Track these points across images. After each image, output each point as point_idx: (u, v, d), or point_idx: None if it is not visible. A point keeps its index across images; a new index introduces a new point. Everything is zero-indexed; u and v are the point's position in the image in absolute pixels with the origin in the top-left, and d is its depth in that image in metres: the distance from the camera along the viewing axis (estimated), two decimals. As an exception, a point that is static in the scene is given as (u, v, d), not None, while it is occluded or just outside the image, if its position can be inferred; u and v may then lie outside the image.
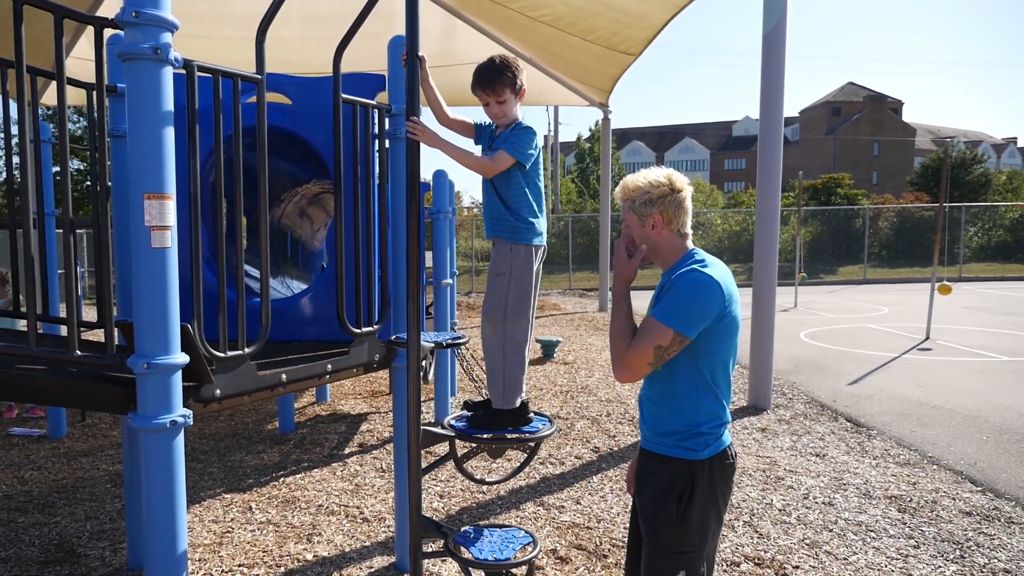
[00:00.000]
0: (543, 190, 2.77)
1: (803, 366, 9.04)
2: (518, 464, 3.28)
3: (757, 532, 3.96)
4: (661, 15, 9.12)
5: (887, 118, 60.63)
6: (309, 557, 3.61)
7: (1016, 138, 72.15)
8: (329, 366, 2.92)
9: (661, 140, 78.76)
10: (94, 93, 2.43)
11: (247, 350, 2.52)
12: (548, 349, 9.52)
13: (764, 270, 7.11)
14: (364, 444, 5.50)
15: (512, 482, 4.69)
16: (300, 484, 4.66)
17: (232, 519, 4.10)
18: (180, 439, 2.27)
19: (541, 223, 2.76)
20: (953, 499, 4.55)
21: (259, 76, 2.52)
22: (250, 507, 4.30)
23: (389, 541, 3.82)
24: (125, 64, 2.12)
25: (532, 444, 2.70)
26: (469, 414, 2.87)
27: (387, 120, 3.19)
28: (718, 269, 2.08)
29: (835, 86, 64.03)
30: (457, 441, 2.65)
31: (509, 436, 2.67)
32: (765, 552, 3.72)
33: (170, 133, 2.18)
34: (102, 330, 2.37)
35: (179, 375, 2.25)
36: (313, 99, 3.30)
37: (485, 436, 2.64)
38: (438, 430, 2.62)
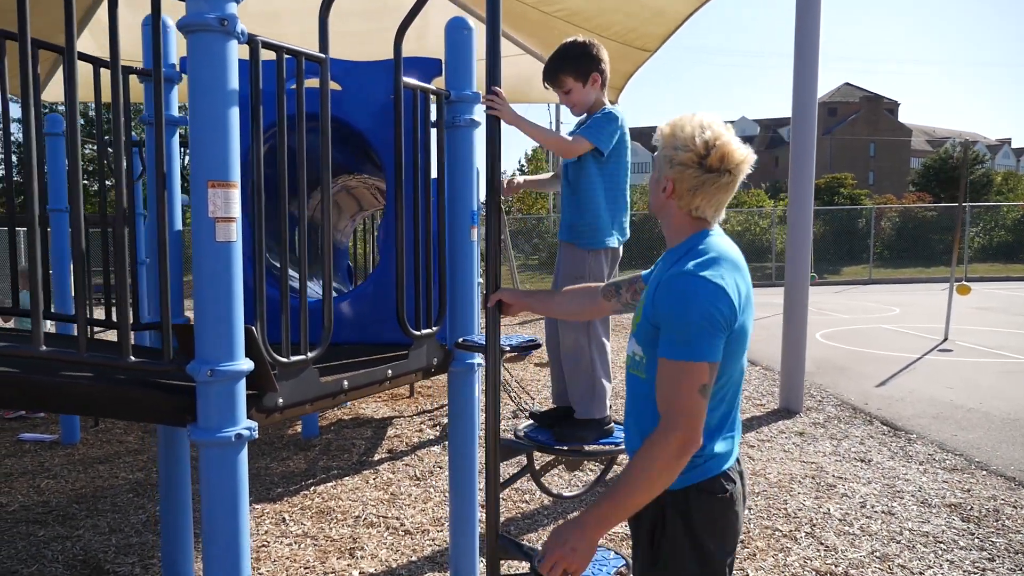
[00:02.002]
0: (625, 186, 2.56)
1: (825, 367, 8.86)
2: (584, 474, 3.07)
3: (822, 544, 3.76)
4: (682, 9, 8.89)
5: (883, 119, 60.68)
6: (355, 574, 3.39)
7: (1010, 139, 72.42)
8: (390, 371, 2.70)
9: (648, 139, 78.46)
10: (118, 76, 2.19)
11: (310, 355, 2.30)
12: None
13: (796, 268, 6.91)
14: (394, 450, 5.27)
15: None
16: (332, 493, 4.44)
17: (266, 532, 3.88)
18: (244, 454, 2.06)
19: (618, 222, 2.56)
20: (1014, 507, 4.37)
21: (323, 55, 2.30)
22: (283, 518, 4.07)
23: (437, 555, 3.61)
24: (188, 36, 1.90)
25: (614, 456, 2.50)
26: (535, 424, 2.67)
27: (445, 107, 2.97)
28: (723, 266, 1.65)
29: (831, 87, 64.00)
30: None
31: (588, 448, 2.47)
32: (836, 566, 3.52)
33: (236, 114, 1.96)
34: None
35: (243, 383, 2.04)
36: (363, 85, 3.07)
37: (564, 448, 2.43)
38: (517, 441, 2.41)
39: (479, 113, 3.08)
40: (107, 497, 4.44)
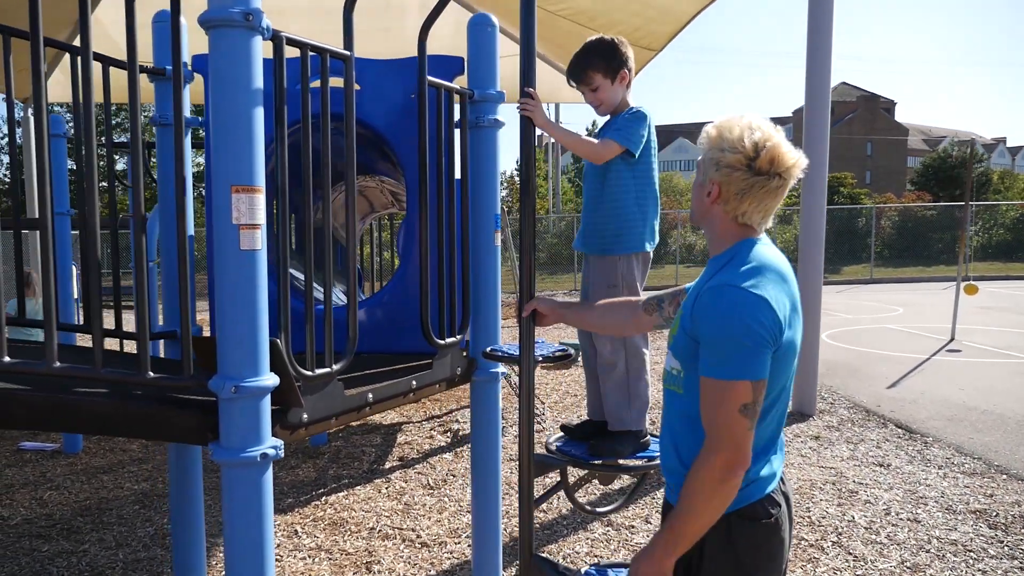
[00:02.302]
0: (656, 187, 2.46)
1: (834, 369, 8.77)
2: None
3: (851, 554, 3.67)
4: (689, 8, 8.81)
5: (880, 118, 60.73)
6: (373, 590, 3.29)
7: (1005, 138, 72.58)
8: (414, 382, 2.60)
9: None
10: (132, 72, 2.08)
11: (336, 367, 2.19)
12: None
13: (810, 267, 6.80)
14: (405, 458, 5.17)
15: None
16: (345, 504, 4.33)
17: (279, 545, 3.77)
18: (269, 475, 1.95)
19: (650, 225, 2.45)
20: (1039, 513, 4.28)
21: (348, 52, 2.19)
22: (295, 531, 3.96)
23: (456, 569, 3.50)
24: (210, 32, 1.79)
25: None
26: (567, 438, 2.56)
27: (469, 107, 2.86)
28: (767, 277, 1.54)
29: (832, 84, 64.00)
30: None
31: (623, 463, 2.36)
32: (867, 578, 3.43)
33: (260, 115, 1.86)
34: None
35: (268, 400, 1.93)
36: (379, 83, 2.97)
37: (599, 463, 2.33)
38: (552, 456, 2.30)
39: (503, 113, 2.98)
40: (112, 509, 4.32)
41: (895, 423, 6.31)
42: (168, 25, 2.70)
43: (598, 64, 2.38)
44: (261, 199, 1.87)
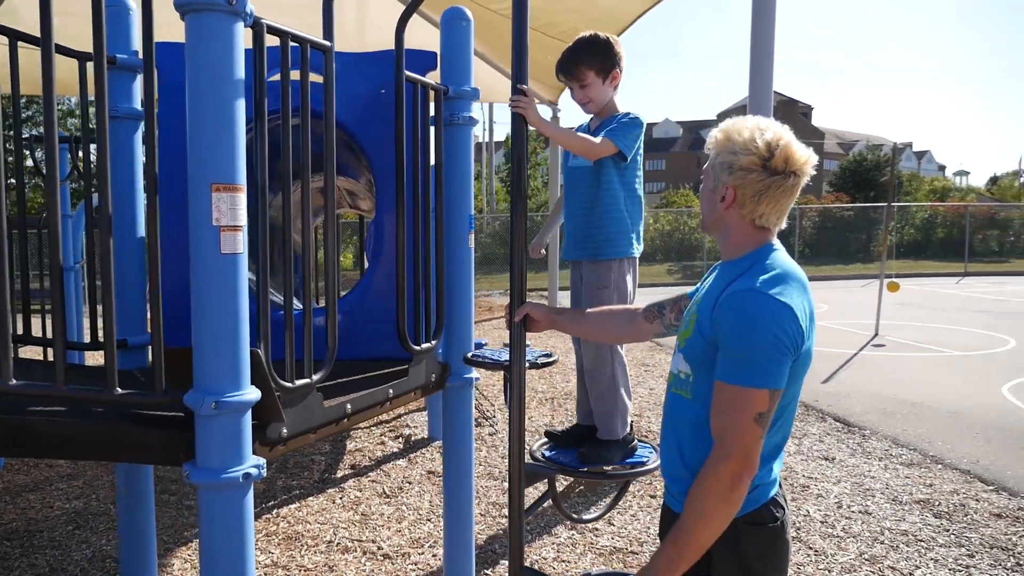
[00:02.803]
0: (641, 196, 2.43)
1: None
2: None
3: (811, 548, 3.74)
4: (634, 9, 8.91)
5: (798, 122, 63.18)
6: (339, 607, 3.14)
7: (911, 143, 76.55)
8: (391, 391, 2.48)
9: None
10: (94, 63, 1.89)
11: (315, 377, 2.06)
12: (516, 353, 9.14)
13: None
14: (357, 465, 5.00)
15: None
16: (299, 516, 4.15)
17: (232, 563, 3.56)
18: (251, 496, 1.81)
19: (636, 230, 2.42)
20: (977, 500, 4.48)
21: (328, 43, 2.07)
22: (248, 547, 3.76)
23: (423, 581, 3.39)
24: (187, 17, 1.65)
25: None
26: (552, 444, 2.50)
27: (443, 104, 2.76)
28: (791, 285, 1.53)
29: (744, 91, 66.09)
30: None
31: (613, 470, 2.31)
32: (830, 571, 3.50)
33: (242, 107, 1.72)
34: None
35: (249, 415, 1.79)
36: (349, 77, 2.83)
37: (590, 471, 2.28)
38: (542, 465, 2.24)
39: (477, 110, 2.89)
40: (43, 531, 4.01)
41: (833, 417, 6.52)
42: (120, 10, 2.50)
43: (592, 61, 2.32)
44: (243, 199, 1.73)
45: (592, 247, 2.36)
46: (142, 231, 2.73)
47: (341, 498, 4.43)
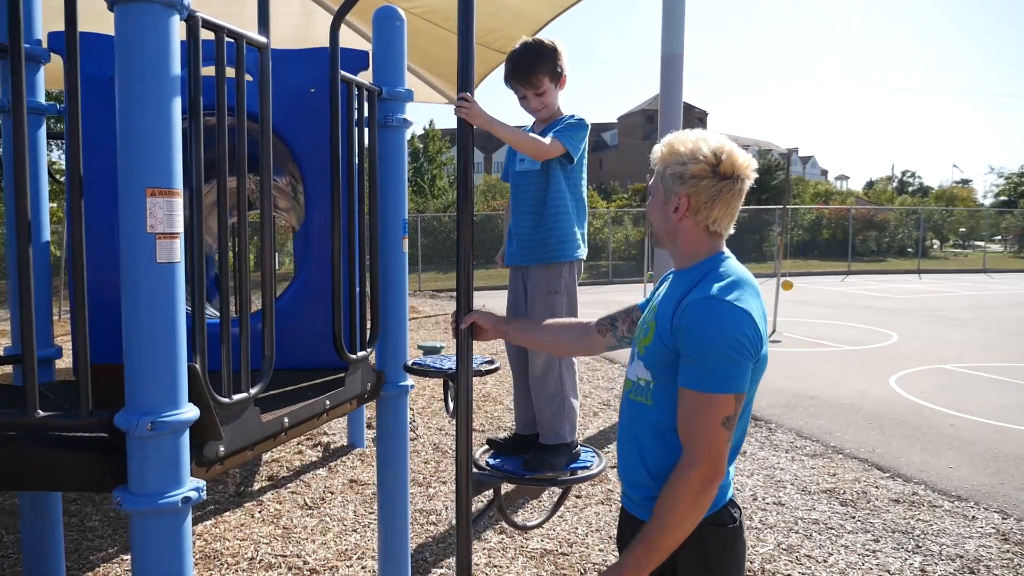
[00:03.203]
0: (585, 197, 2.44)
1: (680, 362, 9.31)
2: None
3: (733, 542, 3.88)
4: (544, 13, 8.96)
5: (695, 126, 65.42)
6: (267, 628, 3.01)
7: (797, 148, 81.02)
8: (328, 402, 2.39)
9: (490, 140, 79.90)
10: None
11: (253, 390, 1.96)
12: (431, 354, 9.06)
13: (665, 267, 7.17)
14: (275, 476, 4.81)
15: (463, 509, 4.28)
16: (216, 533, 3.94)
17: (145, 588, 3.35)
18: (189, 522, 1.70)
19: (582, 232, 2.44)
20: (876, 487, 4.78)
21: (264, 39, 1.97)
22: (162, 569, 3.54)
23: (354, 596, 3.29)
24: (116, 8, 1.52)
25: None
26: (494, 452, 2.48)
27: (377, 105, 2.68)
28: (747, 291, 1.58)
29: (649, 95, 68.29)
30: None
31: (563, 476, 2.31)
32: (751, 563, 3.63)
33: (178, 106, 1.61)
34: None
35: (187, 435, 1.68)
36: (277, 74, 2.70)
37: (539, 477, 2.26)
38: (488, 474, 2.20)
39: (411, 112, 2.83)
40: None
41: (741, 412, 6.81)
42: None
43: (547, 68, 2.30)
44: (179, 204, 1.62)
45: (543, 251, 2.34)
46: (47, 235, 2.52)
47: (260, 512, 4.25)
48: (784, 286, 12.24)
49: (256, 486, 4.67)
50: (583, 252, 2.40)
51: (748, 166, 1.63)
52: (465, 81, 2.08)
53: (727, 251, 1.70)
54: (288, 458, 5.19)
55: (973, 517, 4.25)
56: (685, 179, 1.60)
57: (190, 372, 1.68)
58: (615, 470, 2.49)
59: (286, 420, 2.16)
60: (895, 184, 71.66)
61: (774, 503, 4.45)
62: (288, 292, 2.80)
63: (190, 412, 1.66)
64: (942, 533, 4.03)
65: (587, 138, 2.35)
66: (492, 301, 12.57)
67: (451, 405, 2.47)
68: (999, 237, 35.35)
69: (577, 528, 4.03)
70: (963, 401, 7.02)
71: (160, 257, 1.58)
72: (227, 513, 4.22)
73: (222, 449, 1.86)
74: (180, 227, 1.61)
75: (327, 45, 2.47)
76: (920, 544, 3.88)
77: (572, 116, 2.35)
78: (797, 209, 31.56)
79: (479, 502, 3.16)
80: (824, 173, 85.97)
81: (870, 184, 72.33)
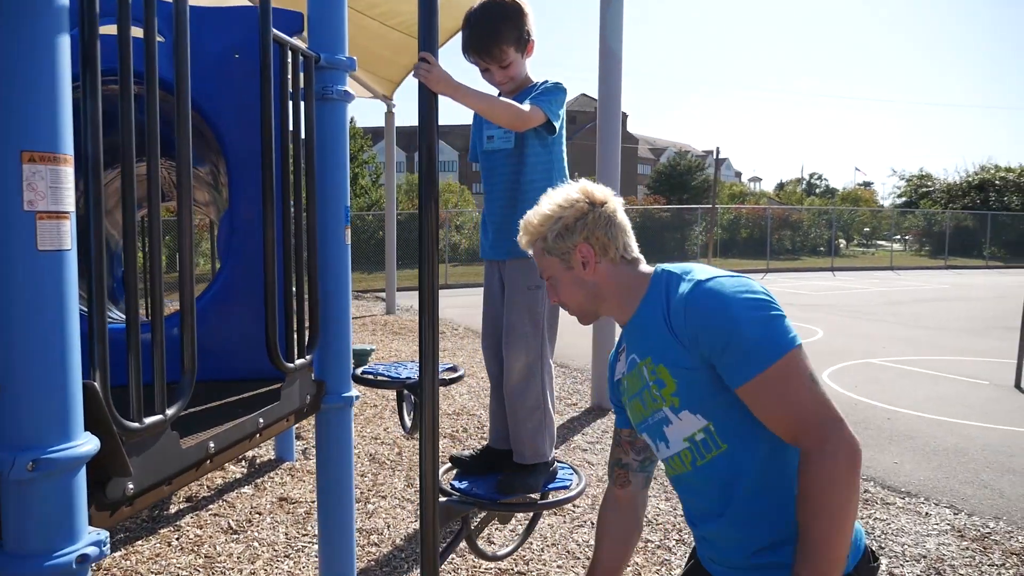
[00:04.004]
0: (567, 175, 2.15)
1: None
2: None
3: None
4: (474, 3, 8.67)
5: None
6: None
7: (717, 148, 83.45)
8: (261, 420, 2.02)
9: (410, 140, 78.98)
10: None
11: (170, 411, 1.58)
12: (361, 359, 8.62)
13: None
14: (194, 497, 4.32)
15: (405, 529, 3.94)
16: (126, 566, 3.47)
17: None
18: (88, 582, 1.32)
19: None
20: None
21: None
22: (59, 615, 3.06)
23: (290, 635, 2.91)
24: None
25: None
26: (460, 472, 2.17)
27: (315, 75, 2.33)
28: (716, 270, 1.44)
29: (571, 96, 68.96)
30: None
31: (545, 500, 2.02)
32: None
33: (67, 46, 1.24)
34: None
35: (84, 473, 1.31)
36: (197, 37, 2.31)
37: (508, 502, 1.97)
38: (459, 501, 1.89)
39: (351, 84, 2.49)
40: None
41: (682, 410, 6.69)
42: None
43: (510, 35, 1.99)
44: (69, 174, 1.24)
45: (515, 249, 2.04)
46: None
47: (178, 538, 3.78)
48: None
49: (173, 509, 4.19)
50: None
51: (609, 192, 1.57)
52: (427, 39, 1.77)
53: (662, 266, 1.52)
54: (209, 476, 4.71)
55: (927, 514, 4.20)
56: (572, 228, 1.50)
57: (86, 391, 1.31)
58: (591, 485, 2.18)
59: (212, 445, 1.79)
60: (804, 186, 74.82)
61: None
62: (210, 291, 2.41)
63: (87, 444, 1.28)
64: (900, 532, 3.95)
65: (565, 103, 2.06)
66: (407, 301, 12.10)
67: (408, 421, 2.16)
68: (898, 237, 37.18)
69: (532, 543, 3.75)
70: (894, 395, 7.12)
71: (43, 243, 1.20)
72: (139, 542, 3.74)
73: (131, 487, 1.48)
74: (70, 204, 1.24)
75: (253, 4, 2.11)
76: (883, 545, 3.79)
77: (546, 81, 2.06)
78: (716, 209, 32.34)
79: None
80: (738, 175, 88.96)
81: (781, 186, 75.29)
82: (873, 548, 1.46)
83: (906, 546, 3.76)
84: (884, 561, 3.61)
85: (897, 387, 7.47)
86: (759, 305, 1.31)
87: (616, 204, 1.55)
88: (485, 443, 2.20)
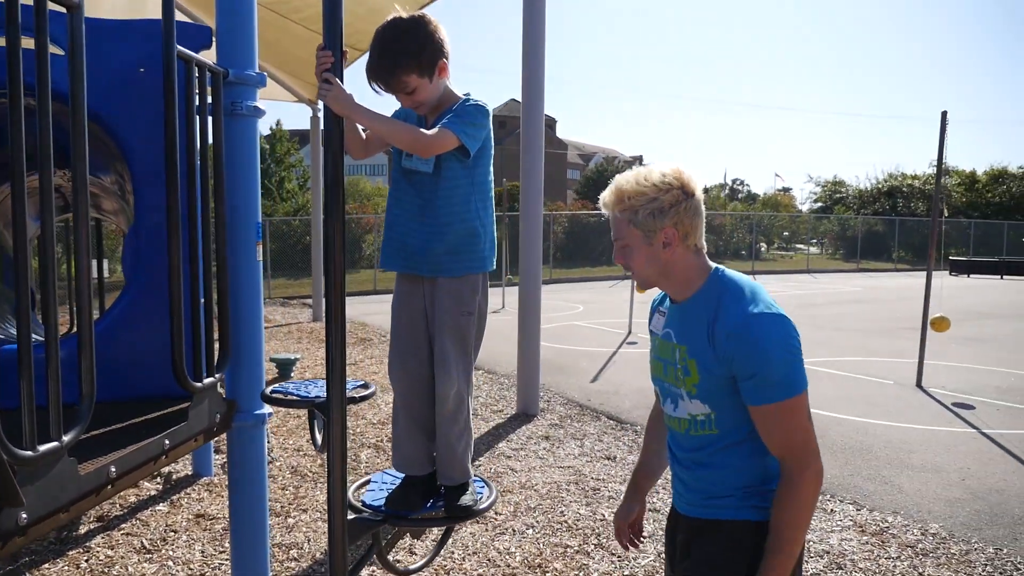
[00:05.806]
0: (492, 196, 2.16)
1: (543, 366, 9.30)
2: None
3: (613, 554, 3.79)
4: (400, 12, 8.65)
5: (543, 133, 67.46)
6: None
7: (642, 156, 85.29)
8: (167, 441, 1.98)
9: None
10: None
11: (67, 437, 1.55)
12: (285, 369, 8.46)
13: (529, 273, 7.13)
14: (105, 516, 4.17)
15: (326, 543, 3.90)
16: (28, 595, 3.33)
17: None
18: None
19: (491, 238, 2.15)
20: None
21: (76, 1, 1.57)
22: (-46, 647, 2.92)
23: (203, 657, 2.85)
24: None
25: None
26: (378, 492, 2.17)
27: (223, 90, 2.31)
28: (765, 294, 1.66)
29: (500, 101, 69.24)
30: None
31: (438, 515, 2.04)
32: (636, 574, 3.55)
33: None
34: None
35: (-31, 505, 1.27)
36: (99, 49, 2.25)
37: (418, 517, 1.99)
38: (366, 517, 1.90)
39: (262, 99, 2.47)
40: None
41: (606, 415, 6.84)
42: None
43: (410, 62, 1.93)
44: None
45: (446, 260, 2.03)
46: None
47: (88, 560, 3.65)
48: (639, 288, 12.60)
49: (82, 529, 4.04)
50: (491, 262, 2.13)
51: (696, 176, 1.71)
52: (333, 35, 1.78)
53: (715, 263, 1.73)
54: (122, 494, 4.55)
55: (831, 510, 4.43)
56: (665, 211, 1.64)
57: (-27, 422, 1.28)
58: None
59: (113, 470, 1.75)
60: (727, 191, 77.29)
61: (650, 510, 4.40)
62: (117, 307, 2.35)
63: (-29, 476, 1.25)
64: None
65: (489, 125, 2.06)
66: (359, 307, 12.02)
67: (319, 439, 2.15)
68: (815, 241, 38.88)
69: (454, 552, 3.78)
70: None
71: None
72: (46, 565, 3.59)
73: (24, 516, 1.45)
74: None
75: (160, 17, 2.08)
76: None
77: (467, 98, 2.04)
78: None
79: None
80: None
81: (705, 190, 77.41)
82: None
83: (811, 542, 3.96)
84: (790, 557, 3.79)
85: (810, 389, 7.82)
86: (791, 349, 1.58)
87: (699, 197, 1.69)
88: (403, 477, 2.14)
